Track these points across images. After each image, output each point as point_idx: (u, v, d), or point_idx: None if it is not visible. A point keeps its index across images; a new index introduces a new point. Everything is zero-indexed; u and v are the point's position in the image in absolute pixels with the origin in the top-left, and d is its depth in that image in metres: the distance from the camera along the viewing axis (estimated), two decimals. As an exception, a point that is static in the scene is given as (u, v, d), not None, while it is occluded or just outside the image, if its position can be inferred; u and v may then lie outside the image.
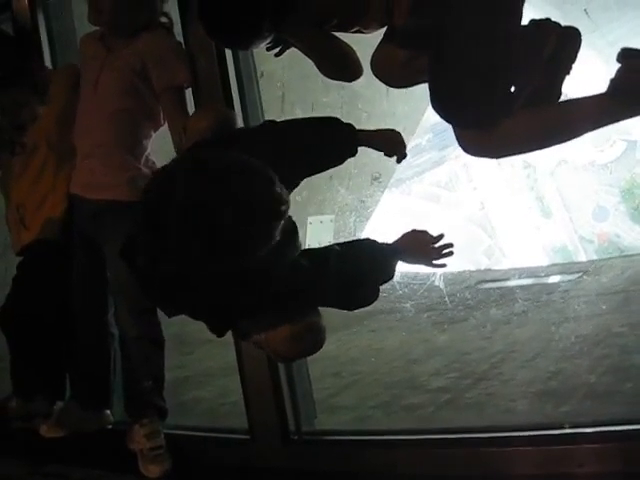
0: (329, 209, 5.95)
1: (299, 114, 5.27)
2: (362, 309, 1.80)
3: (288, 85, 5.11)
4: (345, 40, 1.91)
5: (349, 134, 1.85)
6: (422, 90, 1.76)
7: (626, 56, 1.63)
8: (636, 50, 1.61)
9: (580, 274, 5.27)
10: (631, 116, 1.63)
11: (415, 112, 6.17)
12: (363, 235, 6.40)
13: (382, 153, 1.90)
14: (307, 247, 1.69)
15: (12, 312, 2.51)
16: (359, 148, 1.84)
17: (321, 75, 1.96)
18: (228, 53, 2.37)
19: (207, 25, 1.88)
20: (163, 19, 2.35)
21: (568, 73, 1.75)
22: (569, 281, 5.06)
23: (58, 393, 2.59)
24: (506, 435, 2.14)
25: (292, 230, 1.55)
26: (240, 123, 2.18)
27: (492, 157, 1.79)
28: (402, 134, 1.92)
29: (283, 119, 1.87)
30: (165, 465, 2.36)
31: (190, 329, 2.79)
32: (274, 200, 1.37)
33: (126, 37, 2.30)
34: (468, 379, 3.37)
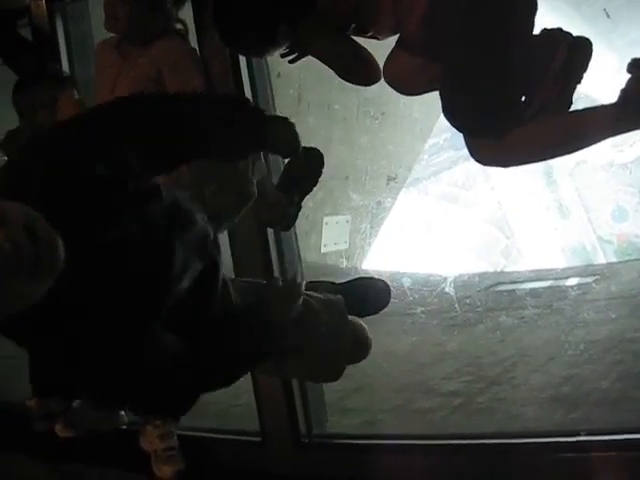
0: (345, 210, 5.94)
1: (315, 115, 5.29)
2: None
3: (304, 86, 5.12)
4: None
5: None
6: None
7: (637, 66, 1.62)
8: (647, 60, 1.61)
9: (596, 277, 5.21)
10: (642, 126, 1.63)
11: (431, 112, 6.13)
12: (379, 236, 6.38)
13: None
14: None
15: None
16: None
17: (337, 77, 1.95)
18: (242, 59, 2.38)
19: (222, 31, 1.89)
20: (178, 26, 2.37)
21: (579, 82, 1.75)
22: (585, 284, 5.00)
23: (75, 392, 2.62)
24: (515, 442, 2.15)
25: None
26: None
27: (503, 166, 1.80)
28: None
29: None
30: (178, 466, 2.39)
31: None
32: None
33: (142, 44, 2.32)
34: (480, 383, 3.36)
